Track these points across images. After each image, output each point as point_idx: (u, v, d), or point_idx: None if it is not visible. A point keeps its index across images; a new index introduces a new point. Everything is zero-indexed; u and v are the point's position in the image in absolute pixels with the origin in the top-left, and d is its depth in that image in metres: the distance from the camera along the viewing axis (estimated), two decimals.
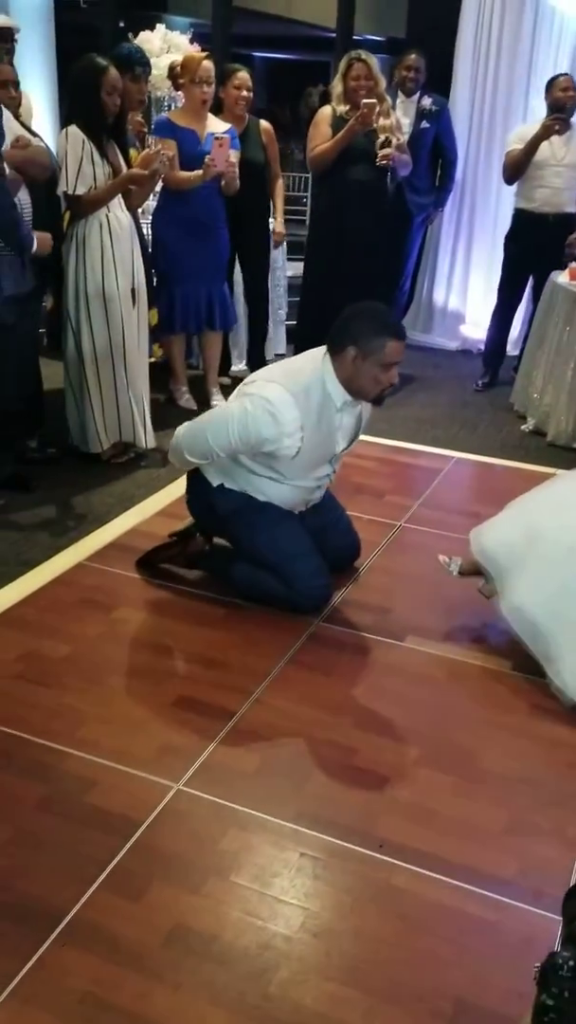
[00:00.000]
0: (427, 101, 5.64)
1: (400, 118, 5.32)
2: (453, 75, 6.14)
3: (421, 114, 5.64)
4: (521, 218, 5.41)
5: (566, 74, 5.32)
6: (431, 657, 2.80)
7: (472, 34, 6.10)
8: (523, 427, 4.93)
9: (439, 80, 6.05)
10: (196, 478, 3.02)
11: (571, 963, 0.94)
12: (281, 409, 2.71)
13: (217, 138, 4.22)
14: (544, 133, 5.09)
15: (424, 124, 5.64)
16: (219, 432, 2.80)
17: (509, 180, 5.43)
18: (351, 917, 1.87)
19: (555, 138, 5.13)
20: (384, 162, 4.81)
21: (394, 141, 4.85)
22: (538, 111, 6.00)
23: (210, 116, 4.52)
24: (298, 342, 5.56)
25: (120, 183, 3.74)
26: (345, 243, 5.01)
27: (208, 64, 4.35)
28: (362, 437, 3.25)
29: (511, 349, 6.02)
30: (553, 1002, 0.91)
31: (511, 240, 5.53)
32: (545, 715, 2.54)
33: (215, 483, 2.96)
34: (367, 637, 2.88)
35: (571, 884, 1.08)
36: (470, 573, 2.93)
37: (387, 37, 9.67)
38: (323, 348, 2.84)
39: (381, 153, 4.79)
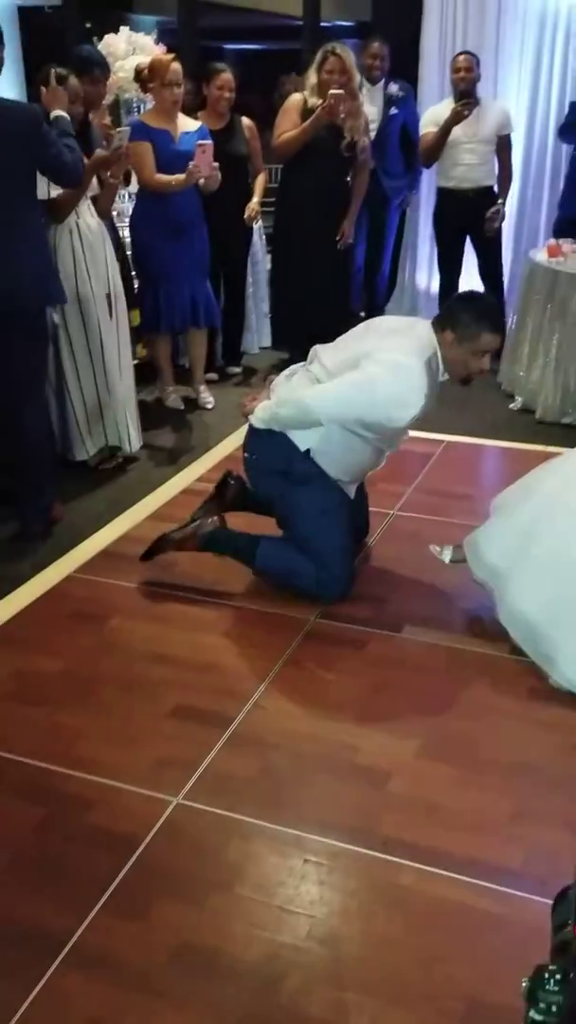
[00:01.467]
0: (393, 87, 5.62)
1: (368, 106, 5.32)
2: (420, 58, 6.08)
3: (389, 100, 5.62)
4: (444, 196, 5.54)
5: (465, 53, 5.37)
6: (429, 647, 2.77)
7: (437, 16, 6.05)
8: (511, 406, 4.90)
9: (407, 63, 6.00)
10: (274, 440, 2.93)
11: (558, 976, 0.91)
12: (420, 381, 2.74)
13: (200, 144, 4.23)
14: (454, 119, 5.21)
15: (392, 110, 5.63)
16: (362, 397, 2.77)
17: (426, 163, 5.57)
18: (357, 921, 1.85)
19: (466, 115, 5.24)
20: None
21: (360, 142, 4.83)
22: (503, 88, 5.97)
23: (181, 116, 4.49)
24: (275, 333, 5.54)
25: (90, 169, 3.70)
26: (309, 239, 5.02)
27: (176, 66, 4.33)
28: None
29: None
30: (541, 1017, 0.88)
31: (438, 218, 5.66)
32: (544, 698, 2.51)
33: (304, 447, 2.90)
34: (364, 631, 2.85)
35: (560, 890, 1.05)
36: (462, 560, 2.90)
37: (356, 21, 9.58)
38: (428, 321, 2.91)
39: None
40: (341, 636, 2.83)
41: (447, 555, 2.99)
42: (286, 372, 3.13)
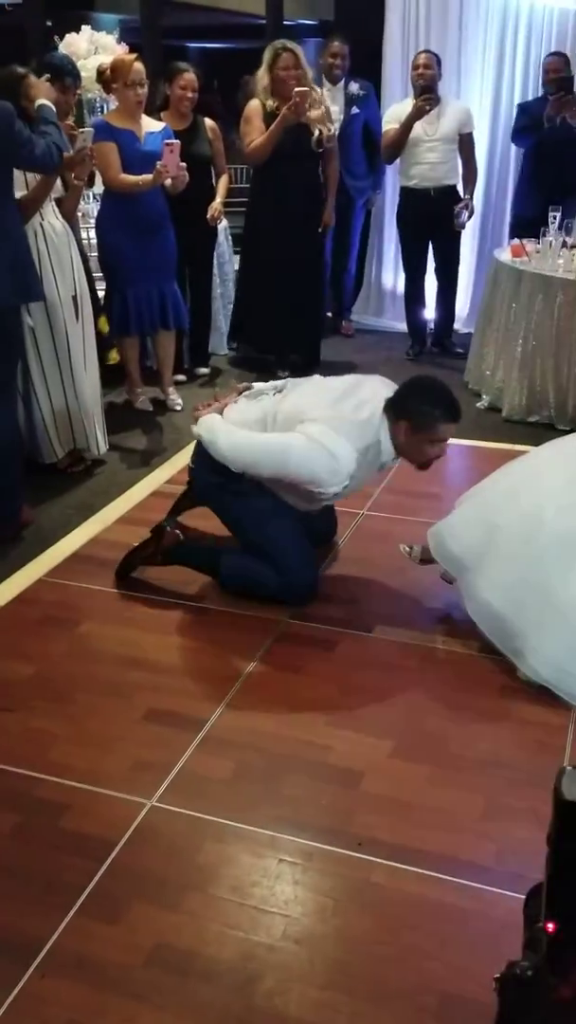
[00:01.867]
0: (354, 87, 5.66)
1: (329, 106, 5.35)
2: (383, 58, 6.12)
3: (350, 100, 5.64)
4: (406, 196, 5.58)
5: (426, 52, 5.42)
6: (400, 646, 2.80)
7: (400, 16, 6.09)
8: (478, 404, 4.94)
9: (370, 62, 6.03)
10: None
11: (529, 973, 0.93)
12: (345, 467, 2.75)
13: (168, 144, 4.23)
14: (416, 114, 5.25)
15: (354, 110, 5.66)
16: (274, 462, 2.80)
17: (388, 160, 5.62)
18: (332, 920, 1.87)
19: (426, 114, 5.30)
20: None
21: (325, 133, 4.85)
22: (466, 88, 6.02)
23: (144, 116, 4.49)
24: (235, 332, 5.55)
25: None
26: (283, 237, 5.03)
27: (139, 66, 4.32)
28: None
29: (462, 327, 6.05)
30: (515, 1014, 0.90)
31: (401, 218, 5.70)
32: (514, 695, 2.55)
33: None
34: (336, 631, 2.87)
35: (533, 886, 1.08)
36: (432, 561, 2.93)
37: (319, 20, 9.60)
38: (381, 400, 2.85)
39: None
40: (312, 637, 2.84)
41: (416, 554, 3.02)
42: (255, 391, 3.13)
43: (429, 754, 2.34)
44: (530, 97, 5.72)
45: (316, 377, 3.19)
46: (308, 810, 2.14)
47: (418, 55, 5.42)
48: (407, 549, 3.06)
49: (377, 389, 2.93)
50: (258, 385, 3.20)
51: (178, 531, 3.10)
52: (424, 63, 5.31)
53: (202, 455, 2.97)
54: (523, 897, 1.89)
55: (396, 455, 2.89)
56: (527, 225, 5.10)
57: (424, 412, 2.78)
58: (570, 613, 2.49)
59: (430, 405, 2.79)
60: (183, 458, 4.15)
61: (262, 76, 4.87)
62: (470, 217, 5.54)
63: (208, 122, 4.99)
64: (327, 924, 1.86)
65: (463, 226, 5.49)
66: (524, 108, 5.52)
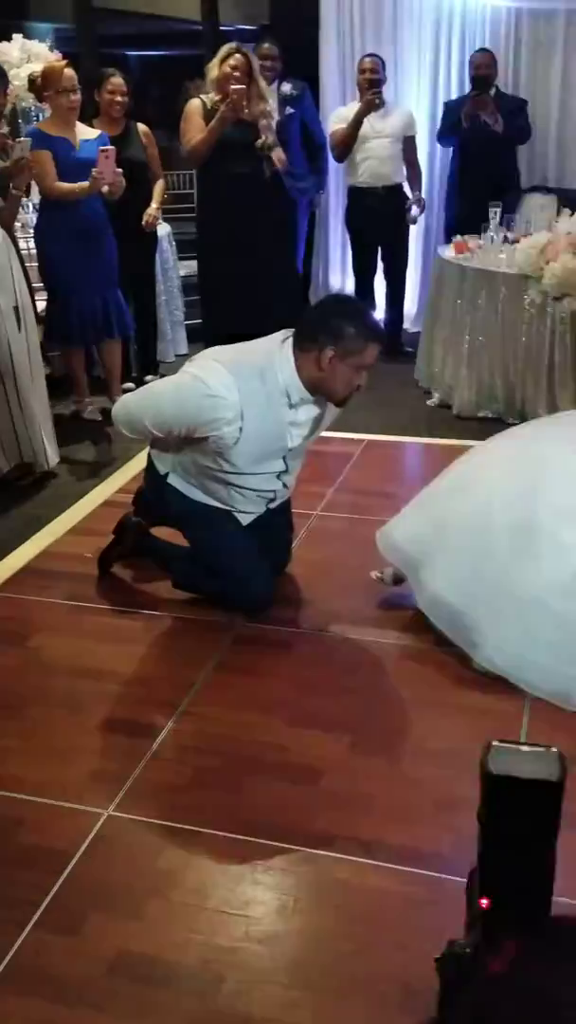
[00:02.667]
0: (287, 87, 5.69)
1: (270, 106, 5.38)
2: (319, 60, 6.16)
3: (284, 100, 5.67)
4: (354, 194, 5.63)
5: (371, 56, 5.48)
6: (355, 644, 2.80)
7: (334, 19, 6.14)
8: (429, 402, 4.98)
9: (307, 65, 6.06)
10: (151, 464, 2.92)
11: (467, 950, 0.94)
12: (219, 392, 2.53)
13: (103, 150, 4.21)
14: (366, 108, 5.33)
15: (289, 110, 5.68)
16: (151, 409, 2.66)
17: (339, 158, 5.66)
18: (294, 918, 1.86)
19: (373, 114, 5.39)
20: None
21: (270, 139, 4.86)
22: (403, 90, 6.09)
23: (79, 123, 4.47)
24: (209, 342, 5.53)
25: None
26: (236, 236, 5.02)
27: (70, 72, 4.31)
28: None
29: (410, 326, 6.09)
30: (454, 991, 0.91)
31: (350, 217, 5.75)
32: (470, 686, 2.56)
33: (162, 471, 2.85)
34: (291, 632, 2.87)
35: (472, 869, 1.08)
36: (404, 579, 2.93)
37: (259, 26, 9.64)
38: (281, 334, 2.66)
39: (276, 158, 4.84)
40: (268, 639, 2.84)
41: (389, 576, 3.02)
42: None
43: (387, 748, 2.34)
44: None
45: None
46: (267, 811, 2.14)
47: (363, 59, 5.47)
48: (378, 575, 3.03)
49: (275, 334, 2.72)
50: None
51: (141, 528, 3.09)
52: (370, 67, 5.40)
53: (148, 474, 2.96)
54: None
55: (312, 392, 2.66)
56: (459, 227, 5.16)
57: (350, 334, 2.51)
58: (522, 603, 2.51)
59: (355, 326, 2.54)
60: (134, 467, 4.12)
61: (212, 67, 4.77)
62: (421, 212, 5.61)
63: (141, 127, 4.98)
64: (288, 923, 1.85)
65: (415, 220, 5.55)
66: (450, 107, 5.60)
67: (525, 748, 1.01)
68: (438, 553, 2.69)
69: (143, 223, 4.94)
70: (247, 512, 2.89)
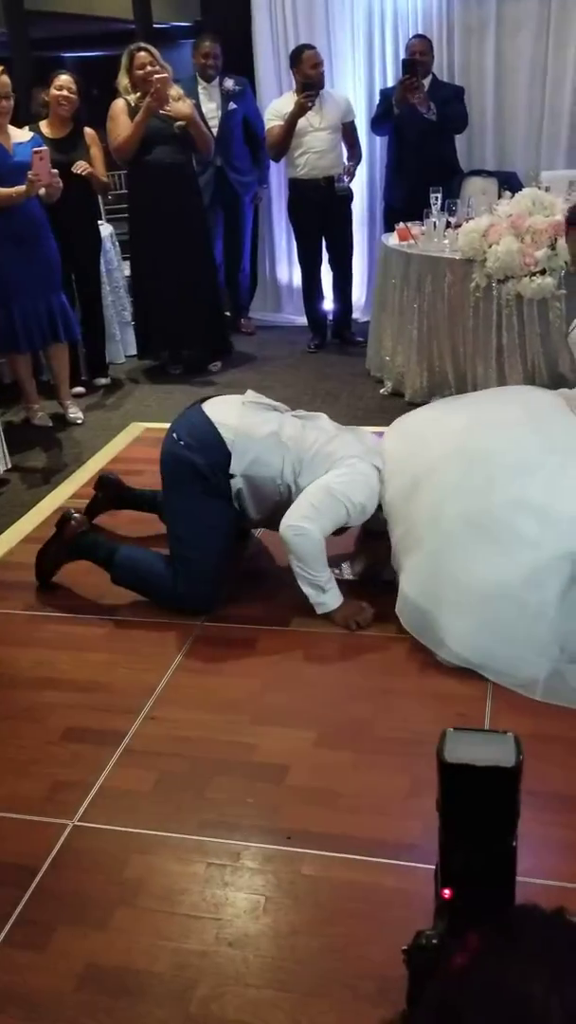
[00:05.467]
0: (229, 83, 5.66)
1: (207, 104, 5.40)
2: (254, 54, 6.13)
3: (226, 96, 5.64)
4: (296, 187, 5.62)
5: (311, 48, 5.45)
6: (318, 636, 2.79)
7: (267, 13, 6.11)
8: (381, 391, 4.99)
9: (243, 58, 6.03)
10: (208, 442, 2.81)
11: (435, 941, 0.93)
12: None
13: (36, 151, 4.14)
14: (299, 111, 5.30)
15: (232, 105, 5.65)
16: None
17: (275, 158, 5.65)
18: (265, 918, 1.85)
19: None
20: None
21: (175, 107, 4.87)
22: (340, 80, 6.07)
23: (11, 127, 4.40)
24: (140, 341, 5.51)
25: None
26: (165, 229, 5.04)
27: (5, 79, 4.24)
28: None
29: (360, 316, 6.09)
30: (422, 984, 0.90)
31: (293, 210, 5.73)
32: (433, 673, 2.56)
33: (237, 470, 2.79)
34: (253, 628, 2.85)
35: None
36: (362, 570, 2.92)
37: (193, 22, 9.58)
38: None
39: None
40: (231, 637, 2.81)
41: (348, 573, 3.00)
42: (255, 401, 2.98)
43: (353, 740, 2.33)
44: None
45: (324, 417, 3.08)
46: (234, 810, 2.12)
47: (305, 53, 5.39)
48: (337, 572, 2.98)
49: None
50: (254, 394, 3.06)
51: (80, 516, 3.06)
52: (318, 61, 5.34)
53: (192, 433, 2.84)
54: None
55: None
56: (397, 215, 5.16)
57: None
58: (484, 595, 2.51)
59: None
60: (87, 472, 4.08)
61: (121, 78, 4.96)
62: (350, 180, 5.59)
63: (88, 130, 4.97)
64: (260, 922, 1.84)
65: (345, 190, 5.54)
66: (385, 94, 5.60)
67: (481, 734, 1.00)
68: (405, 553, 2.69)
69: (74, 169, 4.75)
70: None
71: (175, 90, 4.95)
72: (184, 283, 5.16)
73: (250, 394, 3.02)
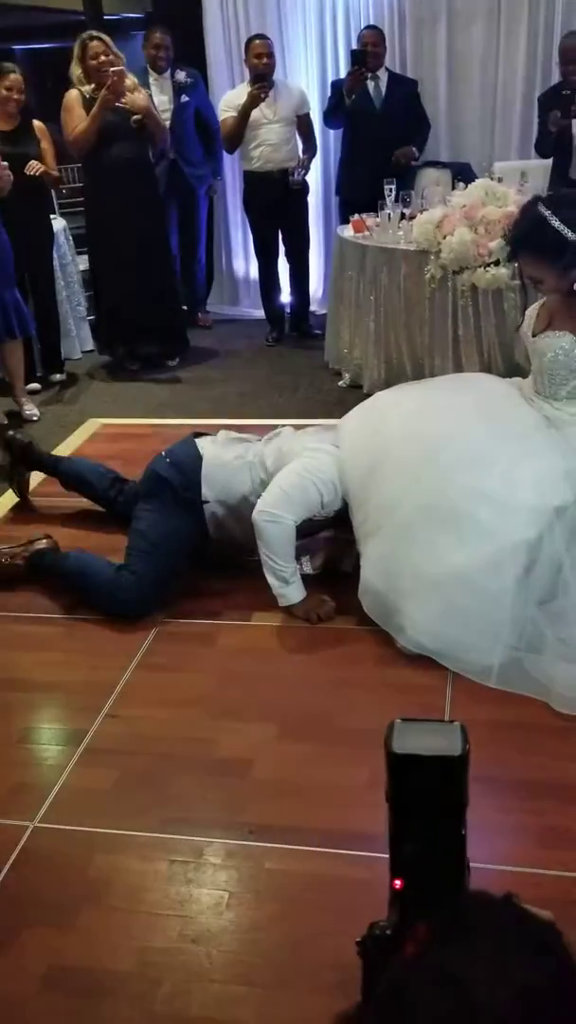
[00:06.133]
0: (181, 75, 5.63)
1: (158, 96, 5.35)
2: (206, 46, 6.10)
3: (178, 88, 5.61)
4: (250, 179, 5.62)
5: (260, 37, 5.44)
6: (278, 630, 2.79)
7: (218, 2, 6.08)
8: (340, 383, 5.00)
9: (194, 50, 6.00)
10: (184, 462, 2.93)
11: (388, 932, 0.94)
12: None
13: None
14: (251, 103, 5.28)
15: (184, 98, 5.62)
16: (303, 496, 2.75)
17: (229, 150, 5.65)
18: (228, 913, 1.85)
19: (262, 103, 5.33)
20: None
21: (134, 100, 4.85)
22: (292, 72, 6.06)
23: None
24: (100, 335, 5.47)
25: None
26: (123, 223, 5.01)
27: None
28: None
29: (318, 308, 6.09)
30: (375, 974, 0.91)
31: (248, 202, 5.73)
32: (393, 664, 2.57)
33: (210, 496, 2.89)
34: (213, 623, 2.84)
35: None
36: (323, 564, 2.92)
37: (144, 14, 9.50)
38: None
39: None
40: (190, 633, 2.81)
41: (307, 567, 3.00)
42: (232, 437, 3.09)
43: (314, 732, 2.34)
44: None
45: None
46: (196, 806, 2.12)
47: (253, 42, 5.39)
48: (297, 566, 3.01)
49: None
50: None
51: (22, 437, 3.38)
52: (264, 51, 5.32)
53: (182, 459, 2.94)
54: None
55: None
56: (352, 207, 5.17)
57: None
58: (444, 582, 2.52)
59: None
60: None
61: (74, 68, 4.89)
62: (305, 174, 5.59)
63: (37, 124, 4.93)
64: (223, 918, 1.84)
65: (298, 184, 5.53)
66: (336, 86, 5.60)
67: (428, 724, 1.01)
68: (365, 540, 2.70)
69: (26, 170, 4.74)
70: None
71: (130, 80, 4.91)
72: (143, 279, 5.14)
73: (223, 433, 3.14)
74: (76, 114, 4.85)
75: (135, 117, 4.86)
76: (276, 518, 2.72)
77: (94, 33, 4.86)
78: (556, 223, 2.47)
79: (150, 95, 5.24)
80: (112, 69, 4.65)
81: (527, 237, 2.55)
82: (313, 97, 5.99)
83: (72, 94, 4.90)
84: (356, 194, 5.37)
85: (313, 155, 5.70)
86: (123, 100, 4.78)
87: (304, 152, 5.61)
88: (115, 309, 5.26)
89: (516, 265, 2.95)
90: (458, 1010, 0.72)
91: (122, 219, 5.03)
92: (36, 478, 3.71)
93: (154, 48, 5.56)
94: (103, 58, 4.74)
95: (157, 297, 5.25)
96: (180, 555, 2.93)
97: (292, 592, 2.79)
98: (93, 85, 4.81)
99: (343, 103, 5.41)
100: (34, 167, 4.68)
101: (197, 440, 3.04)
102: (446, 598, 2.53)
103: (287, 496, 2.73)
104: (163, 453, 3.02)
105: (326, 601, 2.82)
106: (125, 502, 3.27)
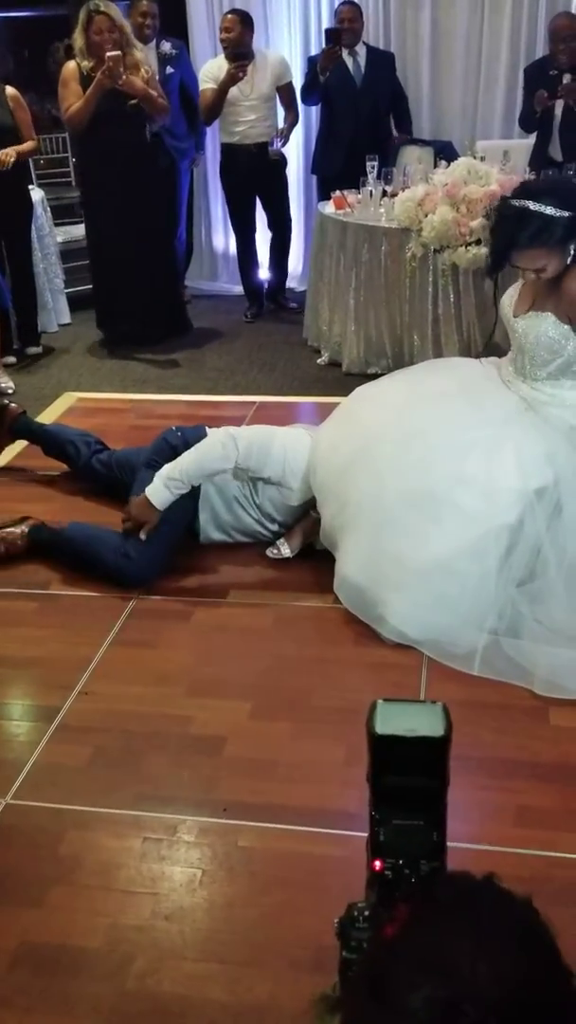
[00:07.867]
0: (166, 46, 5.52)
1: (147, 62, 5.23)
2: (187, 15, 5.99)
3: (163, 60, 5.50)
4: (228, 152, 5.56)
5: (232, 12, 5.39)
6: (255, 608, 2.78)
7: None
8: (318, 361, 4.96)
9: (178, 20, 5.90)
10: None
11: (367, 913, 0.93)
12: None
13: None
14: (229, 81, 5.21)
15: (169, 69, 5.51)
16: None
17: (207, 122, 5.56)
18: (201, 891, 1.84)
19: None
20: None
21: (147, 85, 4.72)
22: (275, 46, 5.98)
23: None
24: (97, 306, 5.38)
25: None
26: (120, 200, 4.91)
27: None
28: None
29: (297, 285, 6.04)
30: (354, 956, 0.90)
31: (224, 174, 5.67)
32: (369, 642, 2.57)
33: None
34: (190, 601, 2.83)
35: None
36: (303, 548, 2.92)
37: None
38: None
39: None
40: (166, 610, 2.79)
41: (285, 551, 2.99)
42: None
43: (289, 710, 2.33)
44: None
45: None
46: (170, 784, 2.11)
47: (224, 17, 5.32)
48: (275, 552, 2.99)
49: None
50: None
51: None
52: (227, 25, 5.24)
53: (192, 434, 3.00)
54: None
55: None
56: (331, 183, 5.12)
57: None
58: (426, 569, 2.52)
59: None
60: (19, 443, 3.98)
61: (76, 37, 4.71)
62: (284, 144, 5.53)
63: (9, 90, 4.78)
64: (196, 895, 1.83)
65: (277, 154, 5.48)
66: (312, 62, 5.52)
67: (410, 705, 0.99)
68: (340, 532, 2.69)
69: None
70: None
71: (139, 52, 4.74)
72: (142, 266, 5.05)
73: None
74: (72, 90, 4.68)
75: (131, 102, 4.70)
76: (226, 442, 2.84)
77: (101, 6, 4.59)
78: (535, 207, 2.47)
79: (148, 70, 5.06)
80: (109, 54, 4.49)
81: (516, 234, 2.52)
82: (297, 72, 5.90)
83: (70, 67, 4.73)
84: (332, 170, 5.32)
85: (295, 122, 5.62)
86: (120, 83, 4.62)
87: (285, 120, 5.53)
88: (117, 291, 5.17)
89: (495, 284, 2.94)
90: (439, 992, 0.71)
91: (119, 202, 4.88)
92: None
93: (140, 16, 5.42)
94: (105, 35, 4.56)
95: (158, 284, 5.17)
96: (181, 526, 2.95)
97: (161, 500, 2.82)
98: (93, 62, 4.64)
99: (318, 80, 5.34)
100: (4, 156, 4.58)
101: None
102: (431, 586, 2.52)
103: (248, 440, 2.87)
104: (174, 428, 3.11)
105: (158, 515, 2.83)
106: (107, 465, 3.35)
